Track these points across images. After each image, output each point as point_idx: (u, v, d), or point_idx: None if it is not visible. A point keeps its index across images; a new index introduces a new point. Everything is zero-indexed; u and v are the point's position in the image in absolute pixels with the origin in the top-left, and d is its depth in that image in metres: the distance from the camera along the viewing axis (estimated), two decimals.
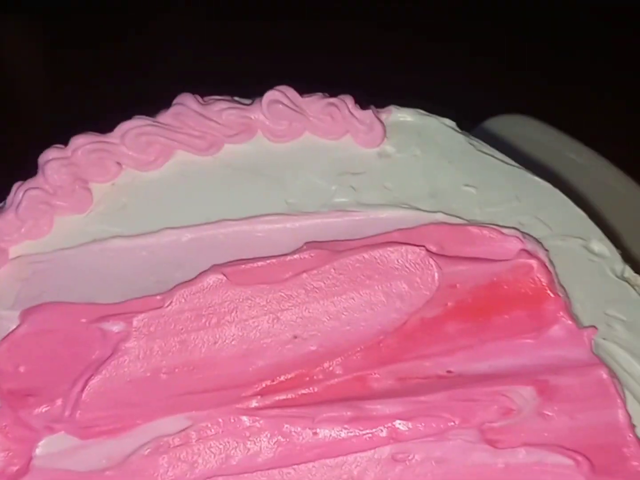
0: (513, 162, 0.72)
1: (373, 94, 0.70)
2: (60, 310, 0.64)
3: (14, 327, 0.64)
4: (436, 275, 0.64)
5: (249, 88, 0.70)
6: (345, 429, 0.62)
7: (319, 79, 0.72)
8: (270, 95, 0.69)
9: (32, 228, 0.67)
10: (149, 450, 0.61)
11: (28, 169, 0.68)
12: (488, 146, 0.72)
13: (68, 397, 0.62)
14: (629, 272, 0.68)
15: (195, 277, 0.64)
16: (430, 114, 0.72)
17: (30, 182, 0.67)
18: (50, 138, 0.69)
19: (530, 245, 0.67)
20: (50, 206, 0.68)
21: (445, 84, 1.14)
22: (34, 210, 0.67)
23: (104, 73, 1.22)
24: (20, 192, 0.67)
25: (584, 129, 1.09)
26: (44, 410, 0.62)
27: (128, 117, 0.68)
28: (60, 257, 0.67)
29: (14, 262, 0.67)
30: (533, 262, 0.65)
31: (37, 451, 0.62)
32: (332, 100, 0.69)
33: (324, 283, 0.64)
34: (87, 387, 0.62)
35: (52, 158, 0.67)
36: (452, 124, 0.72)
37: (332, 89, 0.70)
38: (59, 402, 0.62)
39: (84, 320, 0.64)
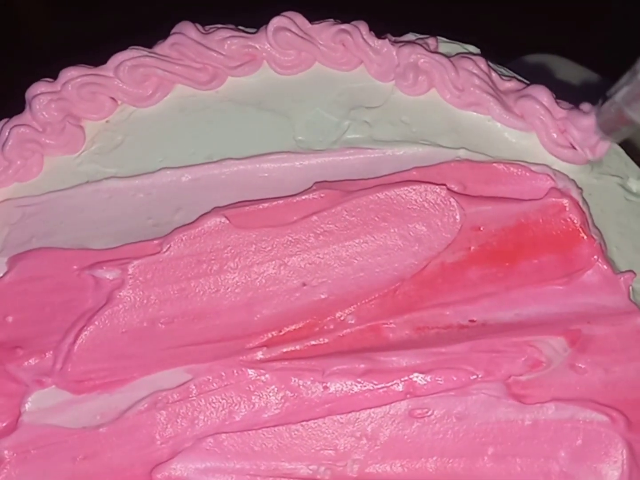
0: None
1: (389, 22, 0.66)
2: (51, 256, 0.62)
3: (1, 274, 0.62)
4: (458, 216, 0.61)
5: (253, 15, 0.66)
6: (358, 382, 0.59)
7: (330, 4, 0.67)
8: (277, 22, 0.65)
9: (20, 169, 0.65)
10: (146, 405, 0.59)
11: (15, 105, 0.65)
12: (517, 76, 0.67)
13: (59, 349, 0.60)
14: None
15: (195, 220, 0.61)
16: (453, 41, 0.68)
17: (17, 119, 0.65)
18: (39, 71, 0.65)
19: (561, 183, 0.63)
20: (39, 145, 0.65)
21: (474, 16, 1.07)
22: (22, 149, 0.64)
23: (97, 1, 1.17)
24: (5, 130, 0.64)
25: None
26: (33, 362, 0.60)
27: (123, 48, 0.65)
28: (51, 199, 0.64)
29: (1, 206, 0.65)
30: (565, 202, 0.62)
31: (27, 406, 0.60)
32: (345, 26, 0.65)
33: (335, 226, 0.61)
34: (79, 338, 0.59)
35: (40, 92, 0.64)
36: (477, 50, 0.68)
37: (344, 16, 0.66)
38: (49, 354, 0.60)
39: (75, 266, 0.62)
